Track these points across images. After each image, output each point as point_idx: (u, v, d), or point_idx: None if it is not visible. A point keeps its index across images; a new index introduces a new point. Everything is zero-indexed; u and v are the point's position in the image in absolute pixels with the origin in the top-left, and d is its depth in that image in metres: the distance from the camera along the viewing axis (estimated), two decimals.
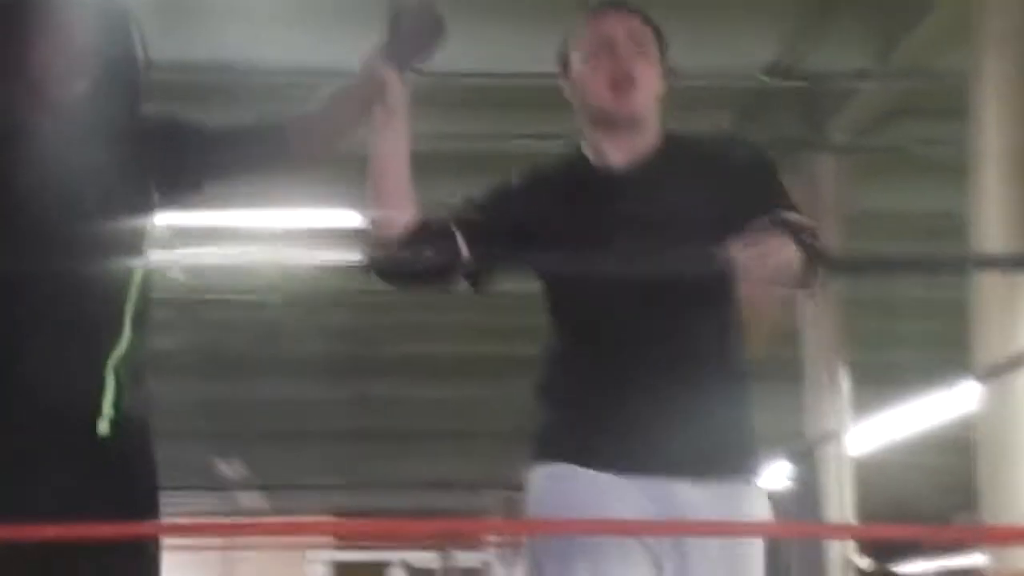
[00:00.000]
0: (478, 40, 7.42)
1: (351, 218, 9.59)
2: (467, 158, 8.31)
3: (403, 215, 2.80)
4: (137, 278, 2.85)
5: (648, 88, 2.85)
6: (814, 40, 7.65)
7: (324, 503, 18.51)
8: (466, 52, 7.41)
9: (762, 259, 2.61)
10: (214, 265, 10.72)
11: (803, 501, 8.09)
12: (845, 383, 9.45)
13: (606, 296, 2.77)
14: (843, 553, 9.42)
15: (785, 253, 2.64)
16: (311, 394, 14.62)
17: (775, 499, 8.50)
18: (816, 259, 2.71)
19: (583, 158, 2.92)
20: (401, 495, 14.67)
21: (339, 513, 17.27)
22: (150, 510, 2.85)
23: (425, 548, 14.66)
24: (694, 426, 2.71)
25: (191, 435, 16.18)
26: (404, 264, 2.80)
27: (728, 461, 2.76)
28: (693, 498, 2.71)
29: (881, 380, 9.67)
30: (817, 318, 9.19)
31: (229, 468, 17.76)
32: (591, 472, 2.73)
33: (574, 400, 2.79)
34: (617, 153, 2.87)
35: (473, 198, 2.91)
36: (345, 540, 17.83)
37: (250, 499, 19.10)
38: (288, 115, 2.98)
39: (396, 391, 14.59)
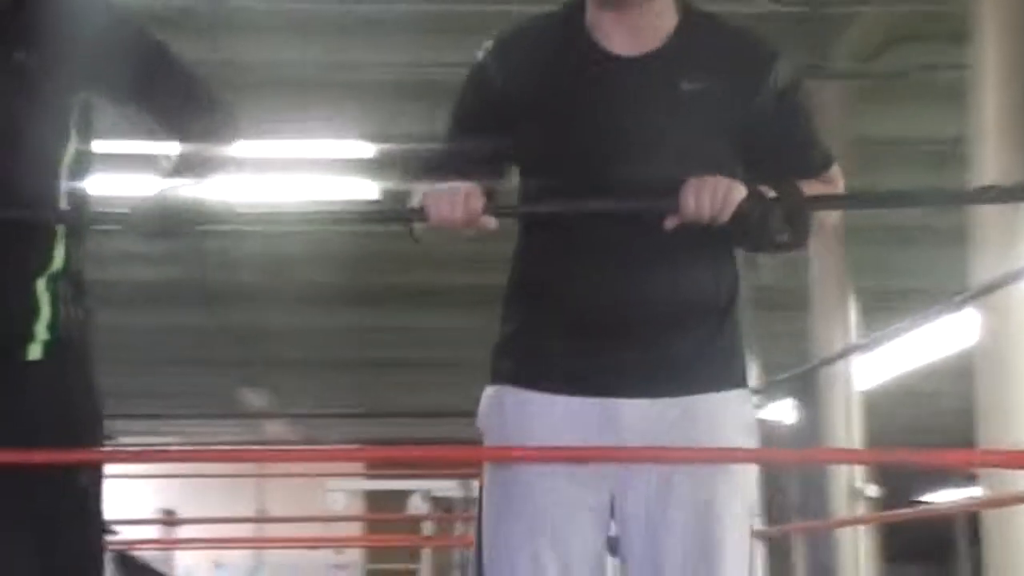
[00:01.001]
0: None
1: (361, 148, 9.61)
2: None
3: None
4: (64, 186, 2.65)
5: None
6: None
7: (348, 432, 18.62)
8: None
9: (703, 195, 2.38)
10: (228, 195, 10.71)
11: (806, 429, 8.08)
12: (852, 311, 9.43)
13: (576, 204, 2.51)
14: (849, 481, 9.43)
15: (730, 195, 2.39)
16: (330, 323, 14.68)
17: (777, 428, 8.48)
18: (803, 223, 2.49)
19: (583, 33, 2.55)
20: (420, 425, 14.72)
21: (363, 442, 17.37)
22: (89, 436, 2.68)
23: (446, 477, 14.73)
24: (649, 342, 2.51)
25: (216, 364, 16.33)
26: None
27: (690, 375, 2.52)
28: (640, 416, 2.50)
29: (889, 307, 9.62)
30: (824, 244, 9.15)
31: (255, 397, 17.87)
32: (532, 395, 2.56)
33: (528, 315, 2.60)
34: (622, 37, 2.53)
35: (451, 114, 2.65)
36: (370, 469, 17.95)
37: (276, 428, 19.24)
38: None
39: (414, 321, 14.62)
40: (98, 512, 2.71)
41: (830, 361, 8.45)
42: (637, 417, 2.51)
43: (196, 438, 18.09)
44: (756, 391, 10.66)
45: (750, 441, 2.58)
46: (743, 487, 2.55)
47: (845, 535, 9.14)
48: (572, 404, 2.52)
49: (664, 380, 2.51)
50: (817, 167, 2.62)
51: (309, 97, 8.92)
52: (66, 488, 2.62)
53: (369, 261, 12.67)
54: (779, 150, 2.55)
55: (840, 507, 8.91)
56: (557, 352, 2.54)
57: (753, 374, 11.41)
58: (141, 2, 7.68)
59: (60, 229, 2.67)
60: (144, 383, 17.02)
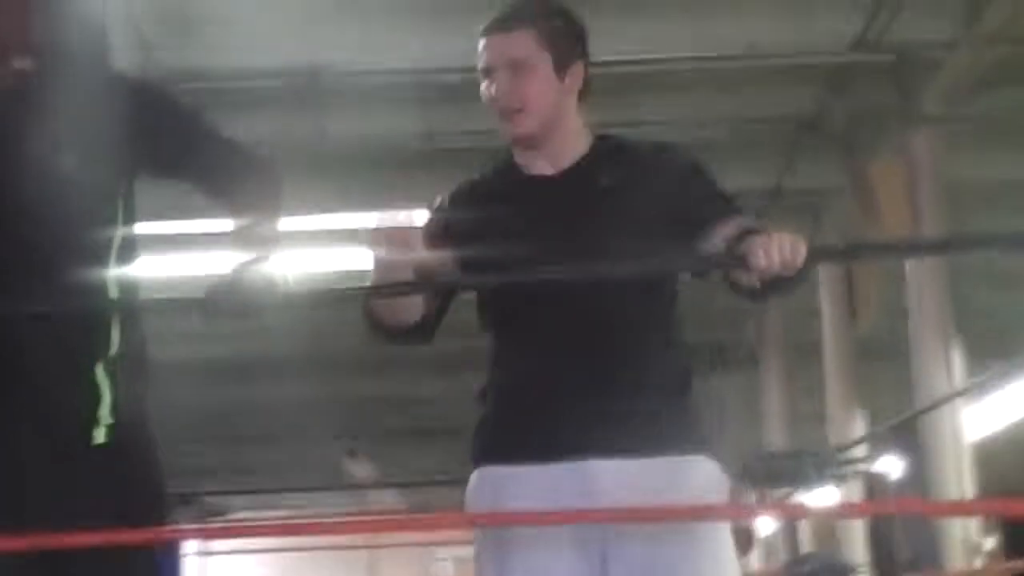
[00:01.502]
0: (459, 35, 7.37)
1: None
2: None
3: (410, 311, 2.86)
4: (116, 272, 2.69)
5: (537, 108, 2.80)
6: (897, 11, 7.48)
7: (447, 499, 18.58)
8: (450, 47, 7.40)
9: (772, 251, 2.56)
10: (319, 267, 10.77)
11: (912, 482, 7.88)
12: (956, 358, 9.21)
13: (532, 299, 2.78)
14: (964, 534, 9.17)
15: (797, 247, 2.58)
16: (420, 392, 14.70)
17: (881, 479, 8.24)
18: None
19: (513, 167, 2.91)
20: None
21: (463, 507, 17.34)
22: (156, 516, 2.72)
23: None
24: (610, 407, 2.71)
25: (317, 436, 16.38)
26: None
27: (653, 438, 2.72)
28: (610, 476, 2.69)
29: (996, 354, 9.41)
30: (925, 291, 8.96)
31: (357, 467, 17.90)
32: (509, 470, 2.74)
33: (497, 398, 2.82)
34: (543, 163, 2.86)
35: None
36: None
37: (382, 497, 19.27)
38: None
39: None
40: None
41: (929, 409, 8.26)
42: (611, 475, 2.68)
43: (306, 509, 18.16)
44: (860, 442, 10.45)
45: (717, 498, 2.79)
46: (714, 540, 2.73)
47: None
48: (547, 471, 2.70)
49: (628, 441, 2.69)
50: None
51: (404, 167, 8.97)
52: (142, 564, 2.67)
53: (455, 328, 12.69)
54: (701, 215, 2.77)
55: (956, 561, 8.67)
56: (525, 423, 2.75)
57: (859, 426, 11.21)
58: (240, 81, 7.82)
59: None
60: (253, 458, 17.15)
